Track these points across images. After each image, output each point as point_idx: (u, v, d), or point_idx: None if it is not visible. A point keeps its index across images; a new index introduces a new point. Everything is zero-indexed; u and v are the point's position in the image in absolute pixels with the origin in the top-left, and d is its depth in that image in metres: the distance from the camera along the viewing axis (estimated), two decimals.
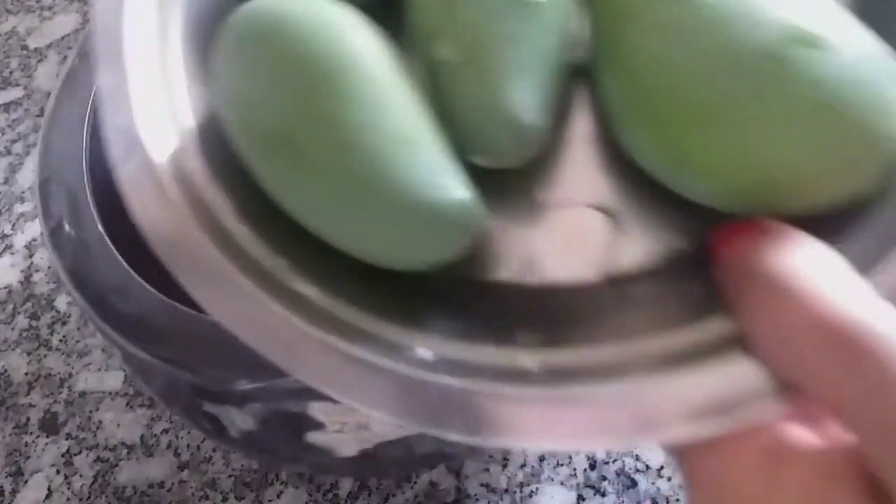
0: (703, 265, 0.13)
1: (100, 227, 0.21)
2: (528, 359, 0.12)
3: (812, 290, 0.11)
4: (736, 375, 0.12)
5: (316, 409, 0.20)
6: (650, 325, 0.13)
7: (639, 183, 0.14)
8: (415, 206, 0.13)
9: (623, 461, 0.29)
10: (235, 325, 0.13)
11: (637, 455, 0.29)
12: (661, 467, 0.29)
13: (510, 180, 0.15)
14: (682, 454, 0.12)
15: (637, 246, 0.14)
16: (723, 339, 0.12)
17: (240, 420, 0.22)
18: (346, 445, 0.21)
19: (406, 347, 0.12)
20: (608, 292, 0.14)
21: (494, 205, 0.14)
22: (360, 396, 0.12)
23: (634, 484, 0.29)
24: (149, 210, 0.14)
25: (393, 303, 0.14)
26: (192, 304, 0.20)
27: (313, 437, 0.21)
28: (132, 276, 0.20)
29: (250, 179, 0.14)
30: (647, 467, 0.29)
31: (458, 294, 0.14)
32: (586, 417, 0.11)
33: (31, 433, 0.33)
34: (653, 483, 0.28)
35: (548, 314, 0.14)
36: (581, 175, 0.15)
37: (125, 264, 0.20)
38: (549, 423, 0.11)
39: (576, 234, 0.14)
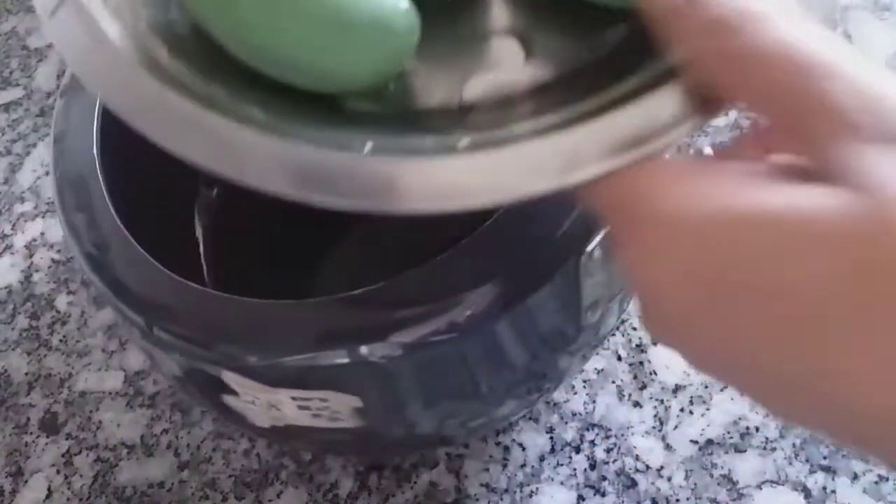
0: (611, 67, 0.14)
1: (112, 212, 0.21)
2: (461, 141, 0.14)
3: (765, 15, 0.12)
4: (649, 112, 0.13)
5: (229, 378, 0.20)
6: (567, 106, 0.14)
7: (548, 5, 0.16)
8: (360, 16, 0.14)
9: (623, 461, 0.29)
10: (184, 147, 0.13)
11: (637, 455, 0.29)
12: (661, 467, 0.29)
13: (437, 19, 0.16)
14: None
15: (550, 61, 0.15)
16: (634, 91, 0.13)
17: (167, 365, 0.22)
18: (258, 417, 0.22)
19: (353, 144, 0.13)
20: (528, 101, 0.15)
21: (422, 43, 0.15)
22: (308, 190, 0.13)
23: (634, 484, 0.28)
24: (83, 51, 0.14)
25: (336, 121, 0.15)
26: (205, 284, 0.20)
27: (228, 399, 0.22)
28: (147, 259, 0.21)
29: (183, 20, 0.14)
30: (647, 467, 0.29)
31: (395, 119, 0.15)
32: (519, 166, 0.13)
33: (31, 433, 0.33)
34: (653, 483, 0.28)
35: (474, 123, 0.15)
36: (498, 7, 0.16)
37: (136, 244, 0.21)
38: (483, 180, 0.13)
39: (496, 60, 0.16)
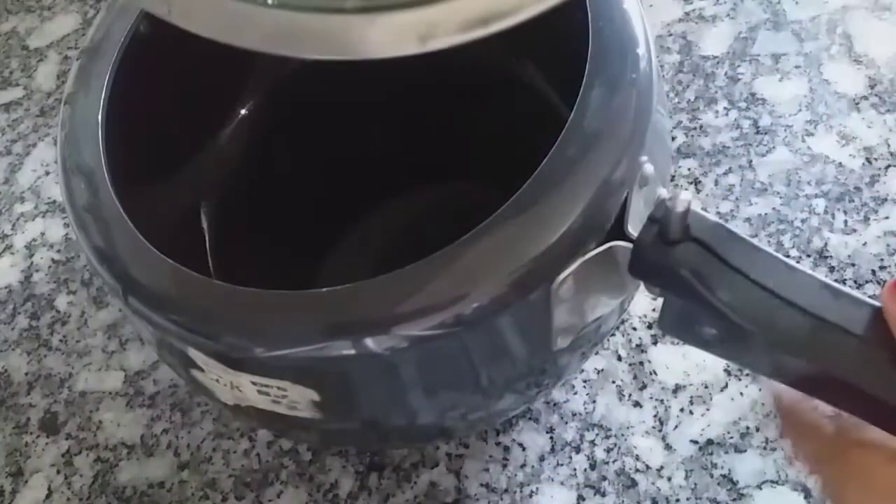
0: None
1: (117, 204, 0.21)
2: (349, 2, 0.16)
3: None
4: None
5: (195, 354, 0.21)
6: None
7: None
8: None
9: (623, 461, 0.29)
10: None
11: (637, 455, 0.29)
12: (661, 467, 0.29)
13: None
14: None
15: None
16: None
17: (145, 334, 0.23)
18: (223, 394, 0.22)
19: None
20: None
21: None
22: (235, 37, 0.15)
23: (635, 484, 0.28)
24: None
25: None
26: (210, 275, 0.20)
27: (196, 373, 0.22)
28: (150, 249, 0.21)
29: None
30: (647, 467, 0.29)
31: None
32: (390, 31, 0.15)
33: (31, 433, 0.33)
34: (653, 483, 0.28)
35: None
36: None
37: (141, 236, 0.21)
38: (355, 35, 0.15)
39: None
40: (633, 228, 0.20)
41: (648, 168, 0.20)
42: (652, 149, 0.21)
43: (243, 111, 0.31)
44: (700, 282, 0.19)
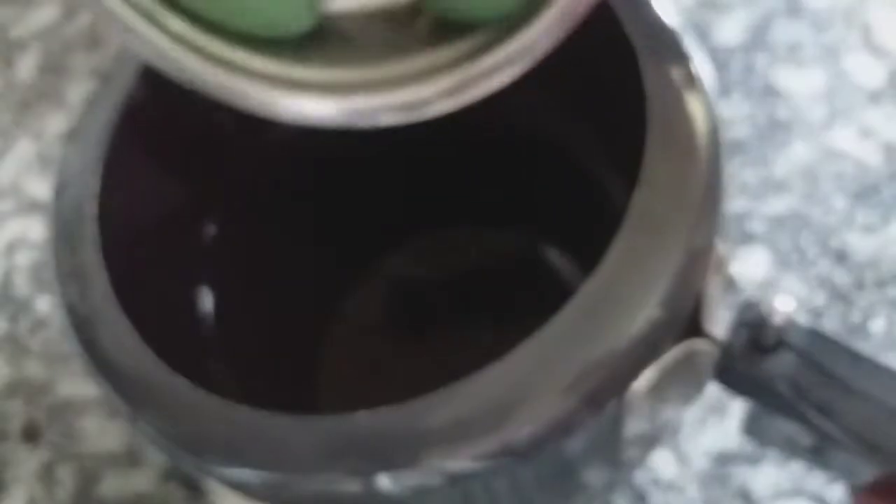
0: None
1: (125, 318, 0.19)
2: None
3: None
4: (423, 91, 0.16)
5: (211, 484, 0.19)
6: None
7: None
8: None
9: (634, 473, 0.28)
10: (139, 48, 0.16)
11: (649, 467, 0.28)
12: (674, 480, 0.28)
13: None
14: None
15: None
16: (431, 68, 0.16)
17: (159, 456, 0.21)
18: None
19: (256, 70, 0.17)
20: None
21: None
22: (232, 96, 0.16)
23: (646, 497, 0.27)
24: None
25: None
26: (200, 381, 0.18)
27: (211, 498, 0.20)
28: (164, 367, 0.18)
29: None
30: (660, 480, 0.28)
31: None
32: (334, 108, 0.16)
33: (11, 441, 0.32)
34: (665, 496, 0.27)
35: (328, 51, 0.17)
36: None
37: (154, 354, 0.18)
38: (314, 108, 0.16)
39: None
40: (711, 324, 0.18)
41: (722, 251, 0.18)
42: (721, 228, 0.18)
43: (238, 186, 0.27)
44: (798, 394, 0.17)
